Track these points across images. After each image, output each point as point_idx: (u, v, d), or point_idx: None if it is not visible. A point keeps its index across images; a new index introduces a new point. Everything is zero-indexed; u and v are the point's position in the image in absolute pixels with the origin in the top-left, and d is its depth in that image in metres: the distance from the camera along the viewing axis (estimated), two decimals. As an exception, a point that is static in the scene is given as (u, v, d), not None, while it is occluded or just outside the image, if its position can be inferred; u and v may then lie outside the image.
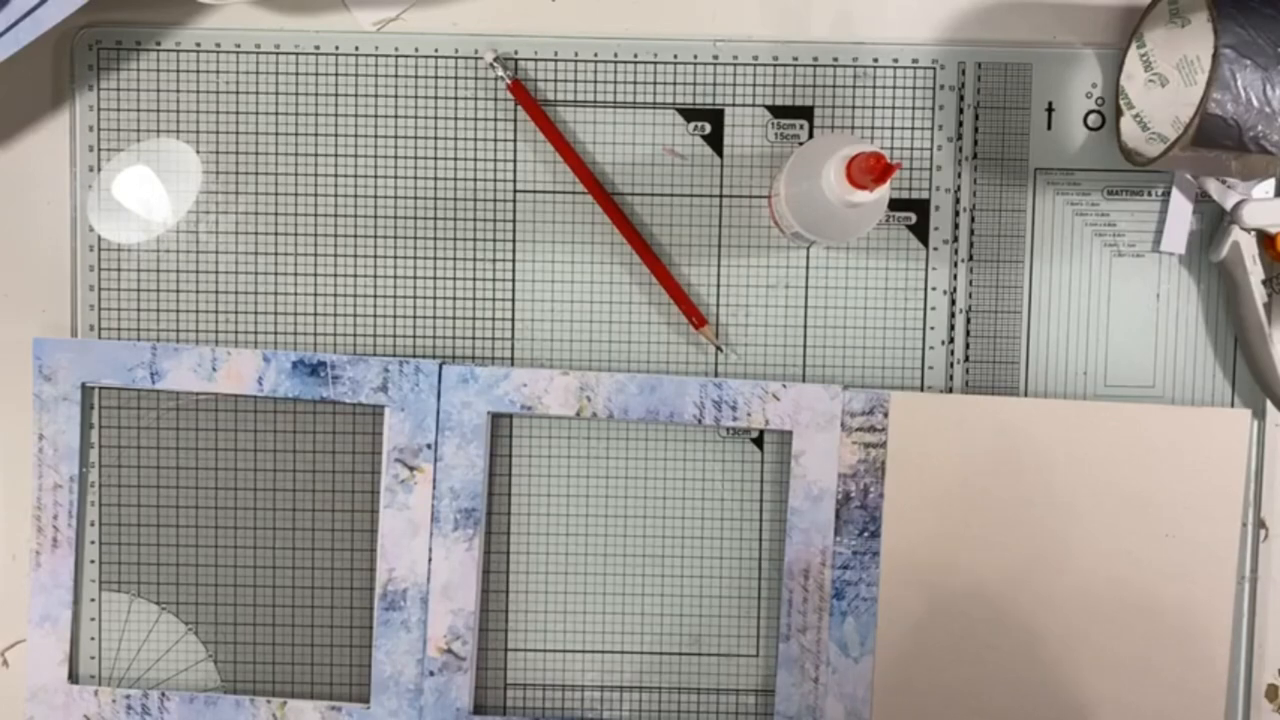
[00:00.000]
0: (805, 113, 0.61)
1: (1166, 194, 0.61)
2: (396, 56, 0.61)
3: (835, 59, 0.61)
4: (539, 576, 0.62)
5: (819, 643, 0.60)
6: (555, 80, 0.61)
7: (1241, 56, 0.52)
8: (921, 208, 0.61)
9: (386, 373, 0.60)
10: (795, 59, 0.61)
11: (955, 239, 0.61)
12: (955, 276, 0.61)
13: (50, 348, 0.60)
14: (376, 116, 0.61)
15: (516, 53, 0.61)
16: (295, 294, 0.61)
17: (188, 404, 0.61)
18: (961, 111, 0.61)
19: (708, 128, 0.61)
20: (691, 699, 0.62)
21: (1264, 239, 0.59)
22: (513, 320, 0.62)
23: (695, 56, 0.61)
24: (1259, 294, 0.59)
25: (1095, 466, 0.60)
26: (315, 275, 0.61)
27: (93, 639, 0.62)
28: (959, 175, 0.61)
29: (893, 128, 0.61)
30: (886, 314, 0.61)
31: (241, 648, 0.62)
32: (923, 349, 0.61)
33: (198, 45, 0.61)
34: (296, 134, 0.61)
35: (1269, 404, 0.61)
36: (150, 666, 0.62)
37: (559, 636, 0.62)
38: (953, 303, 0.61)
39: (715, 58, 0.61)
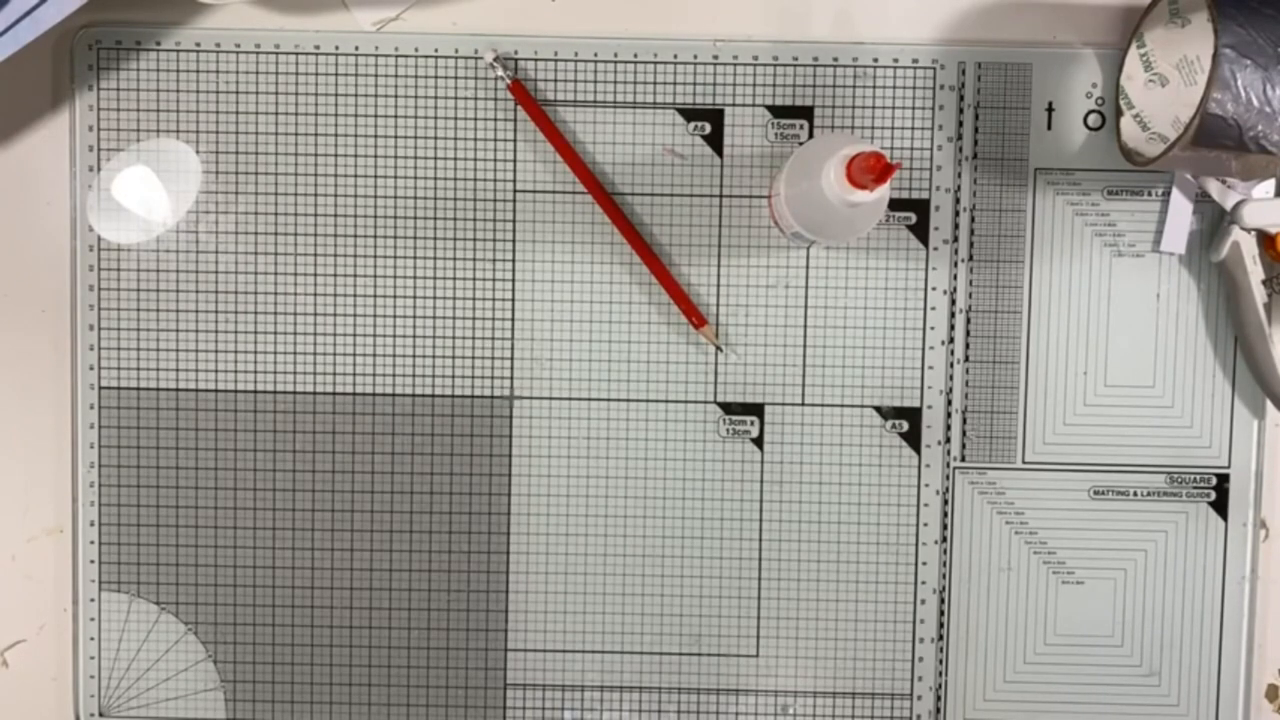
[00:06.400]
0: (805, 113, 0.61)
1: (1166, 194, 0.61)
2: (396, 56, 0.61)
3: (835, 59, 0.61)
4: (539, 576, 0.62)
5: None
6: (555, 80, 0.61)
7: (1241, 56, 0.52)
8: (921, 208, 0.61)
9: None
10: (795, 59, 0.61)
11: (955, 239, 0.61)
12: (955, 276, 0.61)
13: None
14: (376, 116, 0.61)
15: (516, 53, 0.61)
16: (295, 293, 0.61)
17: (188, 402, 0.61)
18: (961, 111, 0.61)
19: (708, 128, 0.61)
20: (691, 699, 0.62)
21: (1264, 239, 0.59)
22: (512, 320, 0.62)
23: (695, 56, 0.61)
24: (1259, 294, 0.59)
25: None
26: (315, 275, 0.61)
27: (93, 639, 0.62)
28: (959, 175, 0.61)
29: (893, 128, 0.61)
30: (886, 314, 0.61)
31: (241, 648, 0.62)
32: (923, 349, 0.61)
33: (198, 45, 0.61)
34: (296, 134, 0.61)
35: (1269, 404, 0.61)
36: (150, 667, 0.62)
37: (559, 636, 0.62)
38: (953, 303, 0.61)
39: (715, 58, 0.61)
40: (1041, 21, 0.61)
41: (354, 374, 0.62)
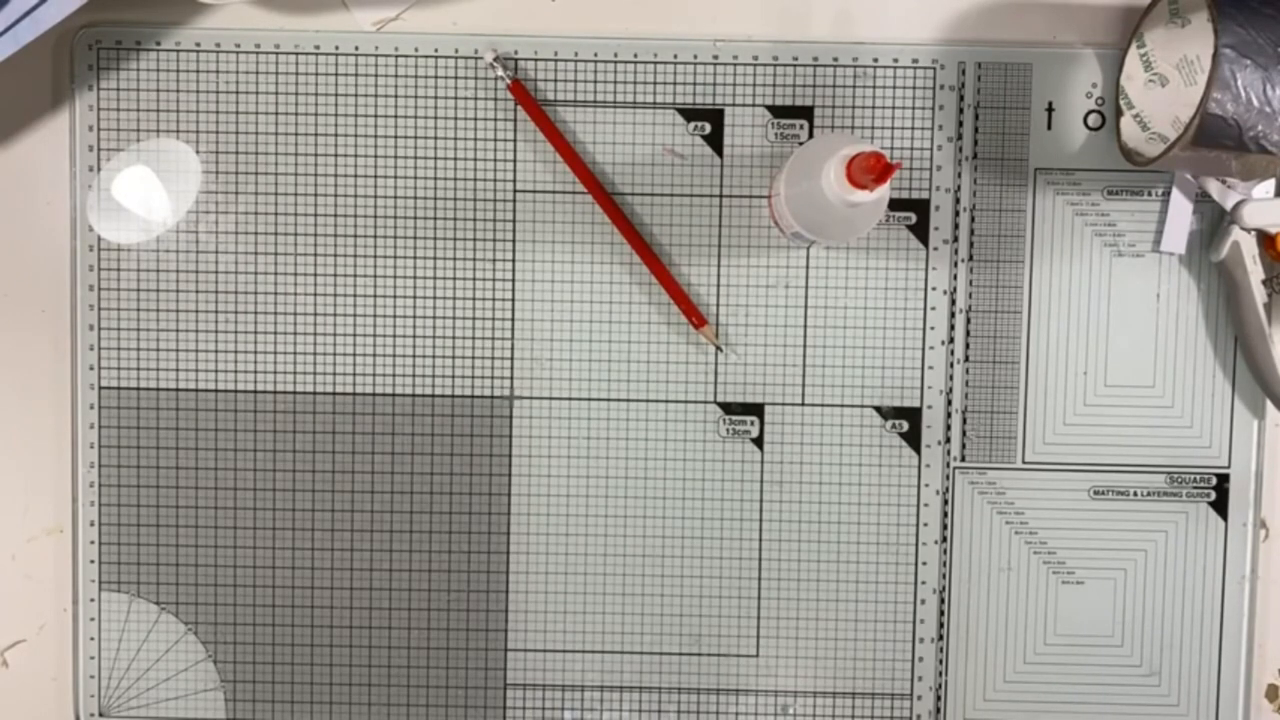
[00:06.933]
0: (805, 113, 0.61)
1: (1166, 194, 0.61)
2: (396, 56, 0.61)
3: (835, 59, 0.61)
4: (539, 576, 0.62)
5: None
6: (555, 80, 0.61)
7: (1241, 56, 0.52)
8: (921, 208, 0.61)
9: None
10: (795, 59, 0.61)
11: (955, 239, 0.61)
12: (955, 276, 0.61)
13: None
14: (376, 116, 0.61)
15: (516, 53, 0.61)
16: (295, 293, 0.61)
17: (188, 402, 0.61)
18: (961, 111, 0.61)
19: (708, 128, 0.61)
20: (691, 699, 0.62)
21: (1264, 239, 0.59)
22: (512, 320, 0.62)
23: (695, 56, 0.61)
24: (1259, 294, 0.59)
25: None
26: (315, 275, 0.61)
27: (92, 639, 0.62)
28: (959, 175, 0.61)
29: (893, 128, 0.61)
30: (886, 314, 0.61)
31: (241, 648, 0.62)
32: (923, 349, 0.61)
33: (198, 45, 0.61)
34: (296, 134, 0.61)
35: (1269, 404, 0.61)
36: (150, 667, 0.62)
37: (559, 636, 0.62)
38: (953, 303, 0.61)
39: (715, 58, 0.61)
40: (1041, 21, 0.61)
41: (354, 374, 0.62)
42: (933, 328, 0.62)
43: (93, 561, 0.62)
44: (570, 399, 0.62)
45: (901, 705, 0.63)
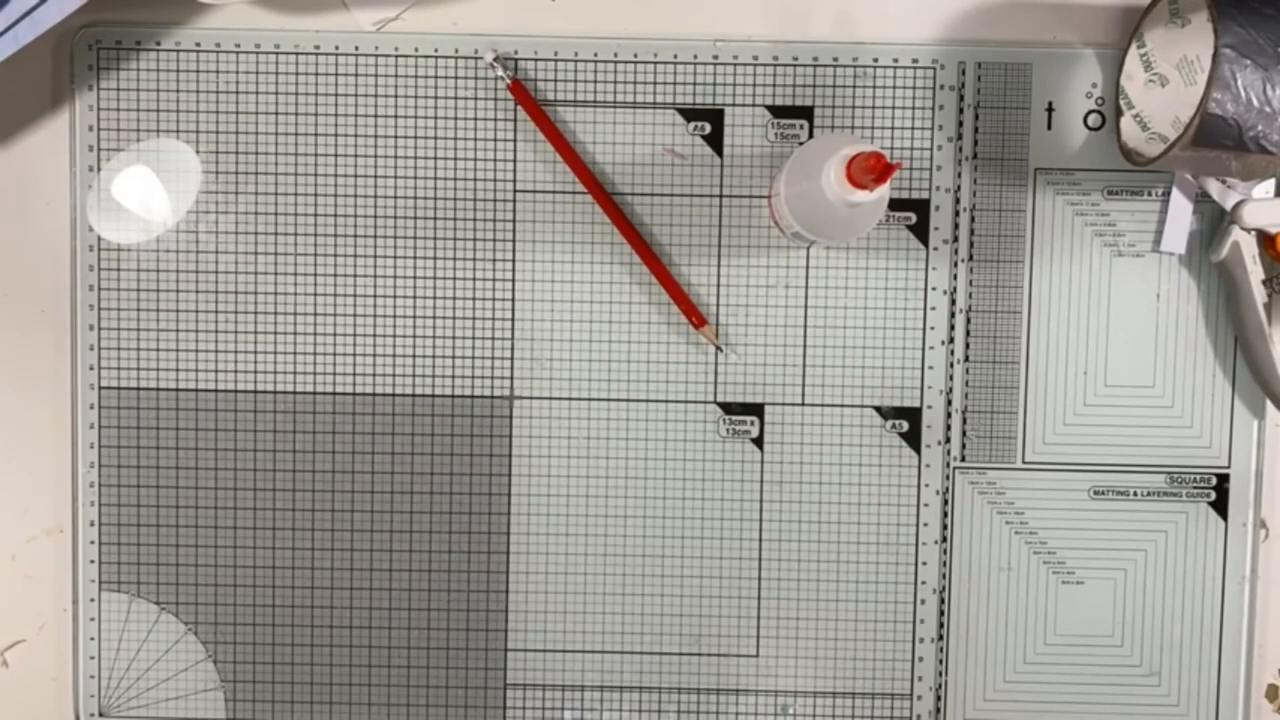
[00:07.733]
0: (805, 113, 0.61)
1: (1166, 194, 0.61)
2: (396, 56, 0.61)
3: (835, 59, 0.61)
4: (539, 576, 0.62)
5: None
6: (555, 80, 0.61)
7: (1241, 56, 0.52)
8: (921, 208, 0.61)
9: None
10: (795, 59, 0.61)
11: (955, 239, 0.61)
12: (955, 276, 0.61)
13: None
14: (376, 116, 0.61)
15: (516, 53, 0.61)
16: (295, 293, 0.61)
17: (188, 402, 0.61)
18: (961, 111, 0.61)
19: (708, 128, 0.61)
20: (691, 699, 0.62)
21: (1264, 239, 0.59)
22: (512, 320, 0.62)
23: (695, 56, 0.61)
24: (1259, 294, 0.59)
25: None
26: (315, 275, 0.61)
27: (92, 639, 0.62)
28: (959, 175, 0.61)
29: (893, 128, 0.61)
30: (886, 314, 0.61)
31: (241, 648, 0.62)
32: (923, 349, 0.61)
33: (198, 45, 0.61)
34: (296, 134, 0.61)
35: (1269, 404, 0.61)
36: (150, 667, 0.62)
37: (559, 636, 0.62)
38: (953, 303, 0.61)
39: (715, 58, 0.61)
40: (1041, 21, 0.61)
41: (354, 374, 0.62)
42: (933, 328, 0.62)
43: (93, 561, 0.62)
44: (570, 399, 0.62)
45: (901, 705, 0.63)
